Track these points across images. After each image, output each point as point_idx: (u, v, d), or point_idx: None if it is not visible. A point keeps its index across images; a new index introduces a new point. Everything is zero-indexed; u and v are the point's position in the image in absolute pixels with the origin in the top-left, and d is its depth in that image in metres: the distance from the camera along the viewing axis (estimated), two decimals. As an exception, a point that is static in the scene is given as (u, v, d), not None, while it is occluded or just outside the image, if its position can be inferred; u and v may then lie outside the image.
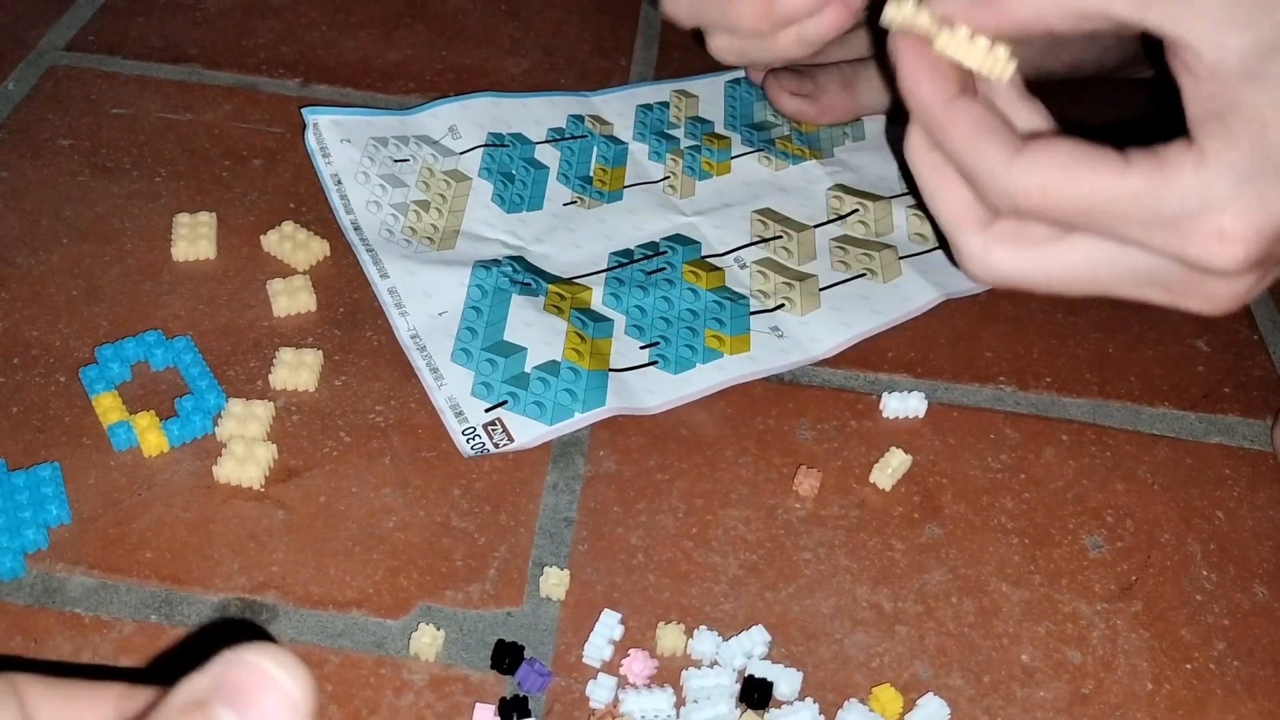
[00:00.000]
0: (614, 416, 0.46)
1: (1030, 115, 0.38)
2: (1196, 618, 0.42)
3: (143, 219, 0.53)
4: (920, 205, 0.57)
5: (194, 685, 0.21)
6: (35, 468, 0.42)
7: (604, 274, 0.52)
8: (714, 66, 0.65)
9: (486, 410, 0.45)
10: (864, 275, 0.53)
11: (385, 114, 0.56)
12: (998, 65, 0.35)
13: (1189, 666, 0.40)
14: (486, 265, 0.50)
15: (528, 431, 0.44)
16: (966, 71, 0.36)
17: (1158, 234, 0.33)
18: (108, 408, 0.44)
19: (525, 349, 0.47)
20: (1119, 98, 0.67)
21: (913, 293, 0.52)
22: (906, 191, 0.58)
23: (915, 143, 0.37)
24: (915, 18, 0.35)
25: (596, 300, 0.50)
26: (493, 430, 0.44)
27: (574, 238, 0.54)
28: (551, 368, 0.46)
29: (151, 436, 0.43)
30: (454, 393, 0.46)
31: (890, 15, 0.36)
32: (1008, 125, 0.35)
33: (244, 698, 0.21)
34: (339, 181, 0.53)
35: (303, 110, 0.55)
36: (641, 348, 0.48)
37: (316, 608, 0.39)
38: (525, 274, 0.50)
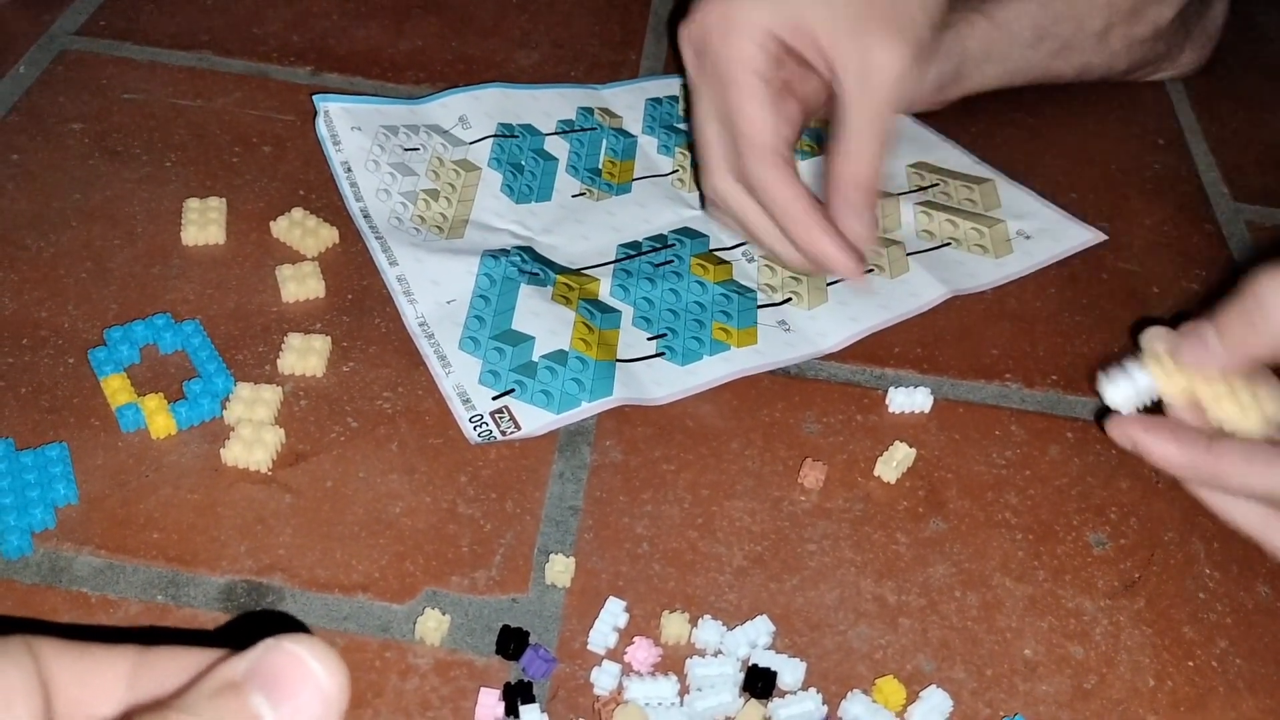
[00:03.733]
0: (620, 407, 0.46)
1: None
2: (1199, 615, 0.42)
3: (153, 203, 0.53)
4: (928, 203, 0.57)
5: (231, 668, 0.21)
6: (43, 447, 0.42)
7: (612, 265, 0.52)
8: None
9: (494, 398, 0.45)
10: (871, 271, 0.53)
11: (396, 103, 0.56)
12: (1264, 417, 0.37)
13: (1191, 664, 0.40)
14: (495, 254, 0.50)
15: (535, 420, 0.44)
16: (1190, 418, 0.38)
17: None
18: (116, 389, 0.44)
19: (533, 338, 0.47)
20: (1127, 99, 0.67)
21: (920, 289, 0.52)
22: (913, 189, 0.58)
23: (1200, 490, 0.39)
24: (1178, 388, 0.37)
25: (604, 291, 0.50)
26: (500, 418, 0.44)
27: (582, 229, 0.54)
28: (559, 357, 0.46)
29: (159, 418, 0.43)
30: (461, 380, 0.46)
31: (1121, 398, 0.38)
32: (1267, 444, 0.37)
33: (279, 687, 0.21)
34: (349, 169, 0.53)
35: (314, 97, 0.55)
36: (649, 339, 0.49)
37: (322, 591, 0.39)
38: (533, 264, 0.51)
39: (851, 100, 0.45)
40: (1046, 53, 0.63)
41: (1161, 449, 0.37)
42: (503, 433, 0.44)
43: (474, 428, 0.44)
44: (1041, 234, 0.56)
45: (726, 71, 0.46)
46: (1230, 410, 0.37)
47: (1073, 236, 0.56)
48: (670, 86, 0.62)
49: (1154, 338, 0.38)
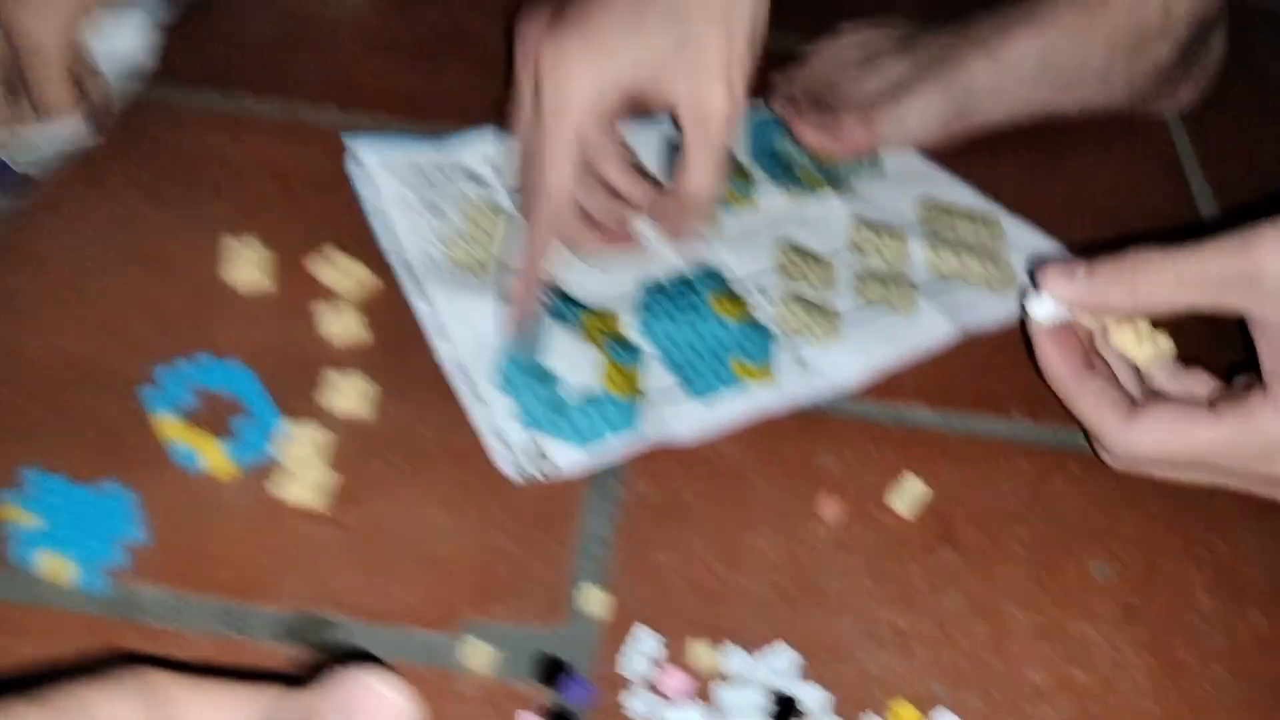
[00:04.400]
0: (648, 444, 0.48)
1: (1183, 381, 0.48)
2: (1196, 641, 0.44)
3: (194, 243, 0.55)
4: (935, 239, 0.59)
5: (306, 698, 0.23)
6: (106, 485, 0.44)
7: (635, 303, 0.54)
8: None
9: (529, 436, 0.47)
10: (883, 308, 0.55)
11: (426, 143, 0.59)
12: (1156, 350, 0.46)
13: (1189, 688, 0.43)
14: (524, 294, 0.53)
15: (568, 458, 0.47)
16: (1089, 346, 0.47)
17: (1252, 464, 0.44)
18: (169, 428, 0.47)
19: (563, 378, 0.50)
20: (1128, 133, 0.69)
21: (930, 327, 0.55)
22: (921, 225, 0.60)
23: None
24: (1080, 317, 0.46)
25: (629, 329, 0.53)
26: (535, 456, 0.47)
27: (608, 270, 0.56)
28: (589, 397, 0.49)
29: (212, 456, 0.46)
30: (497, 419, 0.48)
31: (1042, 313, 0.46)
32: (1123, 393, 0.45)
33: (357, 714, 0.23)
34: (381, 210, 0.56)
35: (345, 137, 0.57)
36: (672, 376, 0.51)
37: (373, 621, 0.42)
38: (560, 303, 0.53)
39: (693, 136, 0.52)
40: (1049, 90, 0.66)
41: (1046, 355, 0.46)
42: (539, 471, 0.46)
43: (510, 465, 0.47)
44: (1039, 259, 0.58)
45: (550, 122, 0.50)
46: (1127, 339, 0.45)
47: (1075, 271, 0.59)
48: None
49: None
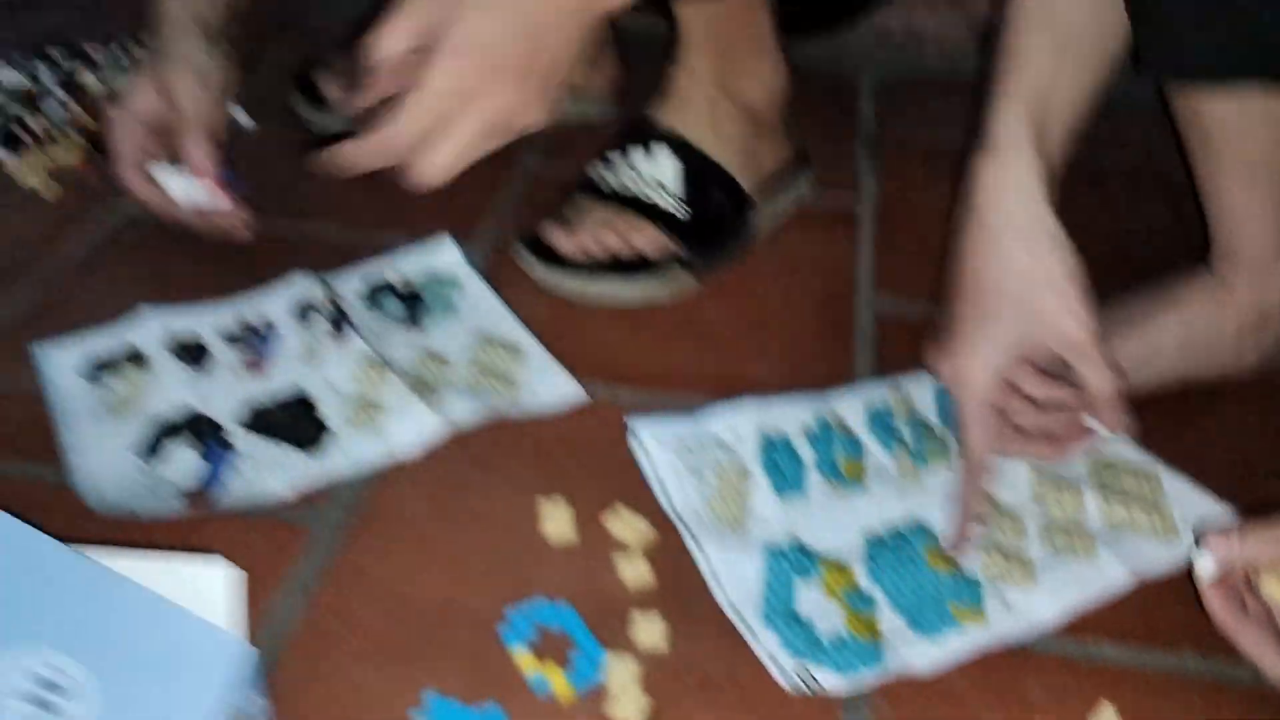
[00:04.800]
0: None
1: None
2: None
3: (515, 503, 0.72)
4: (1105, 492, 0.72)
5: None
6: (487, 706, 0.59)
7: (861, 554, 0.68)
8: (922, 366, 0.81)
9: (797, 662, 0.61)
10: (1068, 555, 0.68)
11: (686, 418, 0.75)
12: None
13: None
14: (774, 551, 0.67)
15: (831, 682, 0.60)
16: (1247, 590, 0.59)
17: None
18: (524, 659, 0.62)
19: (814, 622, 0.63)
20: (1261, 393, 0.81)
21: (1110, 573, 0.67)
22: (1092, 479, 0.73)
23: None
24: (1238, 568, 0.57)
25: (860, 579, 0.67)
26: (806, 676, 0.60)
27: (835, 523, 0.70)
28: (836, 637, 0.62)
29: (558, 684, 0.61)
30: (770, 647, 0.62)
31: (1206, 569, 0.58)
32: (1276, 631, 0.57)
33: None
34: (657, 475, 0.72)
35: (626, 419, 0.74)
36: (902, 619, 0.64)
37: (697, 819, 0.55)
38: (803, 559, 0.67)
39: (1074, 359, 0.67)
40: (1188, 361, 0.79)
41: (1212, 604, 0.58)
42: (810, 689, 0.60)
43: (787, 683, 0.60)
44: (1203, 523, 0.70)
45: (960, 412, 0.70)
46: (1275, 588, 0.56)
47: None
48: (883, 393, 0.79)
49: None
